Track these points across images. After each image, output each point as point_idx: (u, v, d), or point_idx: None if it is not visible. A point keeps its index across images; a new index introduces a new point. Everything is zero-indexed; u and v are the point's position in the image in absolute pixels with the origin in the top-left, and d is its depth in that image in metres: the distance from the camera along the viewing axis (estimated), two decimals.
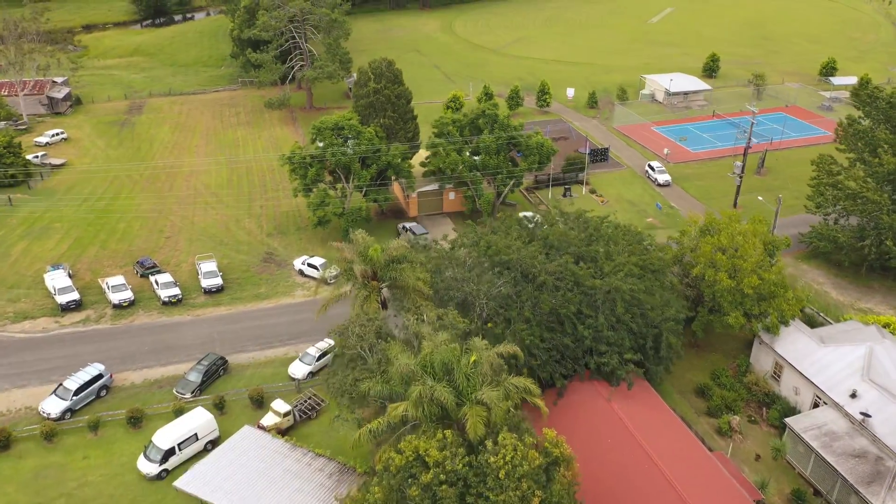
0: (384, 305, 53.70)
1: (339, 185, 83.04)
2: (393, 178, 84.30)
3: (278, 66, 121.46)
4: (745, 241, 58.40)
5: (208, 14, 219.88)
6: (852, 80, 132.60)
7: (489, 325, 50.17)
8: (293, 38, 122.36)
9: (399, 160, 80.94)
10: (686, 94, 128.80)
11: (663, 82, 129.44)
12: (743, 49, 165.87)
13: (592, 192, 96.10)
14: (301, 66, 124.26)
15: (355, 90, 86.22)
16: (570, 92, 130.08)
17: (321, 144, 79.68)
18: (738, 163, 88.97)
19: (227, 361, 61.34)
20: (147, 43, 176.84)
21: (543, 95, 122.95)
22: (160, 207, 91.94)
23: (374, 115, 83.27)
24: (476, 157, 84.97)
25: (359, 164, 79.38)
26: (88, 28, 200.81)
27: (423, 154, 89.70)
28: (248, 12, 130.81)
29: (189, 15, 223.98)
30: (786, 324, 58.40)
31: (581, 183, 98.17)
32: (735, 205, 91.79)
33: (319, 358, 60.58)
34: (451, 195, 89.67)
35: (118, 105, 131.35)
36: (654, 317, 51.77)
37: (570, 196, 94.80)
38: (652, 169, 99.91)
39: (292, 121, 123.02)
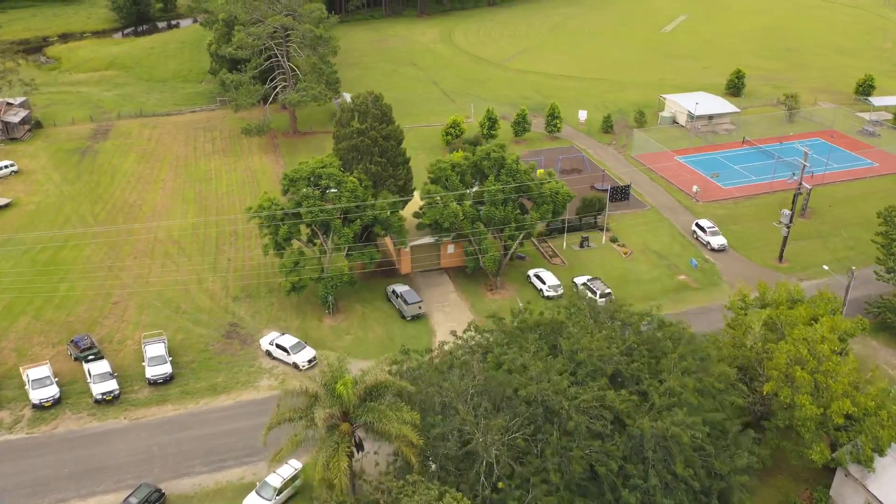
0: (360, 447, 40.22)
1: (316, 243, 69.46)
2: (381, 234, 70.68)
3: (257, 88, 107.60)
4: (827, 346, 44.76)
5: (195, 21, 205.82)
6: (894, 100, 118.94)
7: (500, 485, 36.63)
8: (274, 55, 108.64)
9: (387, 214, 67.29)
10: (711, 117, 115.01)
11: (685, 103, 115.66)
12: (766, 62, 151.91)
13: (613, 240, 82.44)
14: (283, 87, 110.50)
15: (336, 129, 72.28)
16: (583, 115, 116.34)
17: (294, 198, 66.01)
18: (786, 211, 75.36)
19: (163, 495, 47.78)
20: (124, 55, 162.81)
21: (553, 120, 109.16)
22: (112, 261, 78.38)
23: (357, 159, 69.50)
24: (480, 208, 71.41)
25: (340, 220, 65.73)
26: (65, 37, 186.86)
27: (417, 199, 76.31)
28: (226, 25, 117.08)
29: (174, 22, 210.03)
30: (881, 453, 44.85)
31: (600, 229, 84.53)
32: (781, 258, 78.24)
33: (281, 490, 47.06)
34: (451, 248, 76.06)
35: (82, 129, 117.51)
36: (719, 466, 38.21)
37: (588, 246, 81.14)
38: (702, 230, 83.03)
39: (273, 148, 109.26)
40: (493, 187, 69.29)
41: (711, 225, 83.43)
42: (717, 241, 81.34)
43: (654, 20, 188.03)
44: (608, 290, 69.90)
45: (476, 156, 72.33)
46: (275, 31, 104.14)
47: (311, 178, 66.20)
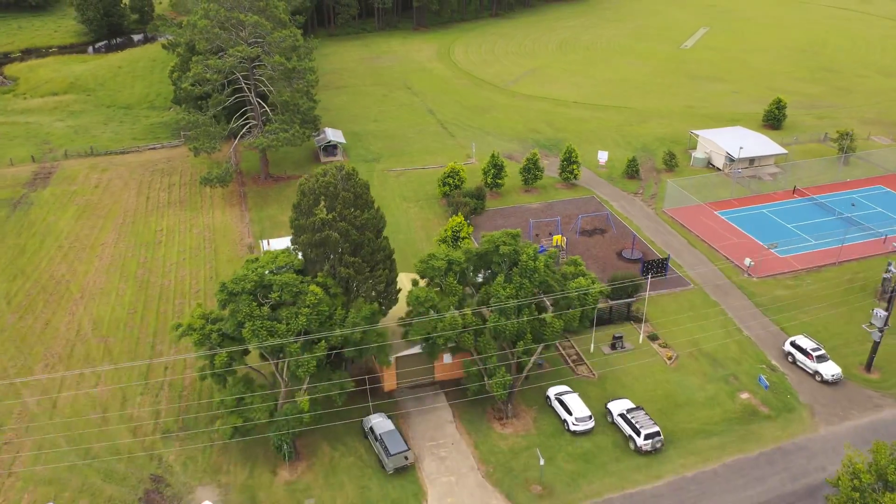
0: None
1: (268, 371, 51.99)
2: (354, 357, 53.10)
3: (220, 128, 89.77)
4: None
5: (157, 39, 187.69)
6: None
7: None
8: (241, 89, 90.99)
9: (361, 335, 49.67)
10: (753, 160, 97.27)
11: (722, 142, 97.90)
12: (804, 86, 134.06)
13: (653, 338, 64.78)
14: (252, 126, 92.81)
15: (294, 217, 54.37)
16: (603, 156, 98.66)
17: (236, 316, 48.34)
18: (880, 311, 57.76)
19: None
20: (88, 75, 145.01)
21: (570, 165, 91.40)
22: (17, 369, 60.92)
23: (323, 258, 51.80)
24: (486, 303, 53.99)
25: (298, 344, 48.14)
26: (29, 53, 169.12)
27: (406, 282, 58.94)
28: (189, 50, 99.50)
29: (151, 35, 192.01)
30: None
31: (635, 318, 66.95)
32: (869, 367, 60.73)
33: None
34: (447, 357, 58.46)
35: (21, 172, 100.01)
36: None
37: (622, 348, 63.57)
38: (803, 352, 60.58)
39: (240, 198, 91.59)
40: (503, 291, 51.67)
41: (816, 346, 60.74)
42: (829, 369, 59.23)
43: (672, 34, 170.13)
44: (655, 429, 52.41)
45: (483, 245, 54.65)
46: (240, 62, 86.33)
47: (259, 290, 48.55)
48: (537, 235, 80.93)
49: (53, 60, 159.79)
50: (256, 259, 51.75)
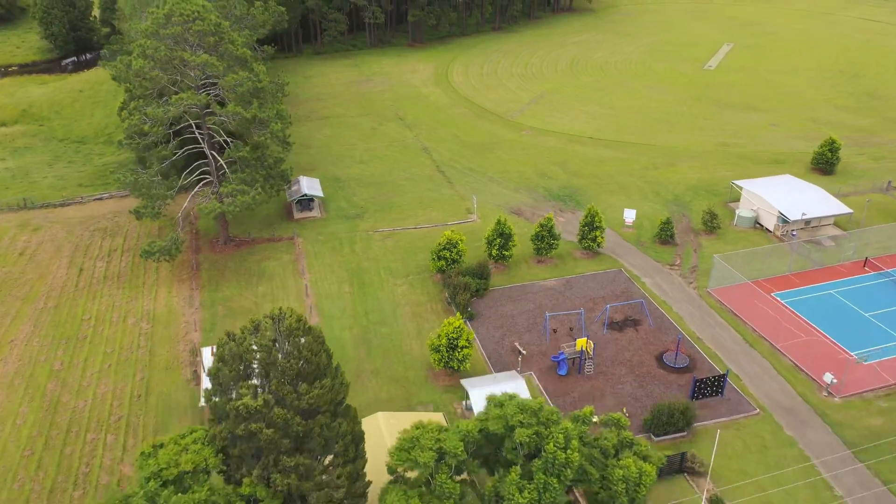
0: None
1: None
2: None
3: (169, 184, 72.55)
4: None
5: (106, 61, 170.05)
6: None
7: None
8: (196, 137, 73.95)
9: None
10: (809, 221, 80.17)
11: (772, 198, 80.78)
12: (849, 116, 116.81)
13: (716, 502, 47.68)
14: (208, 181, 75.83)
15: (207, 393, 37.00)
16: (630, 215, 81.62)
17: None
18: None
19: None
20: (44, 100, 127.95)
21: (592, 231, 74.29)
22: None
23: (253, 456, 34.63)
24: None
25: None
26: None
27: (386, 438, 41.98)
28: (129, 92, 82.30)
29: (127, 47, 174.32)
30: None
31: (691, 471, 49.93)
32: None
33: None
34: None
35: None
36: None
37: None
38: None
39: (192, 271, 74.57)
40: (520, 498, 34.65)
41: None
42: None
43: (693, 52, 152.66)
44: None
45: (490, 421, 37.59)
46: (189, 109, 69.20)
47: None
48: (555, 331, 63.93)
49: (10, 82, 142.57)
50: (156, 450, 34.59)
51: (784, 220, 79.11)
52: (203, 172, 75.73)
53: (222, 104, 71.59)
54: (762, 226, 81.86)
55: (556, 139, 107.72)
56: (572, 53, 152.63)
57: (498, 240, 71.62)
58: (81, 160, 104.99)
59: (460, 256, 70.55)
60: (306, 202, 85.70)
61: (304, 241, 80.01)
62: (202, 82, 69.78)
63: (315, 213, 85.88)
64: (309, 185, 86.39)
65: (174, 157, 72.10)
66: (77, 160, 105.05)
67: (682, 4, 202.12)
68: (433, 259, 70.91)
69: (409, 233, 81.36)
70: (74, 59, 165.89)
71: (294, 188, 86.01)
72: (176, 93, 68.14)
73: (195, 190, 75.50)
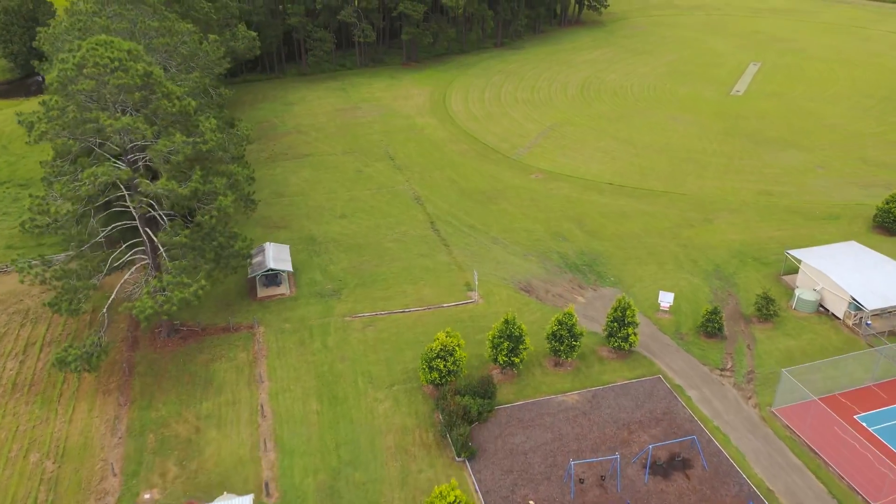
0: None
1: None
2: None
3: (93, 270, 57.01)
4: None
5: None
6: None
7: None
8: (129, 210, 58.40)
9: None
10: (889, 310, 64.55)
11: (840, 278, 65.16)
12: None
13: None
14: (143, 263, 60.32)
15: None
16: (666, 299, 66.10)
17: None
18: None
19: None
20: None
21: (623, 328, 58.72)
22: None
23: None
24: None
25: None
26: None
27: None
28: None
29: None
30: None
31: None
32: None
33: None
34: None
35: None
36: None
37: None
38: None
39: (123, 376, 59.05)
40: None
41: None
42: None
43: (717, 73, 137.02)
44: None
45: None
46: (114, 182, 53.67)
47: None
48: (581, 482, 48.44)
49: None
50: None
51: (857, 306, 63.54)
52: (140, 251, 60.22)
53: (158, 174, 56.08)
54: (827, 310, 66.28)
55: (569, 185, 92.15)
56: (583, 75, 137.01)
57: (505, 344, 56.05)
58: (18, 211, 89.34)
59: (458, 367, 55.04)
60: (272, 277, 70.18)
61: (266, 331, 64.53)
62: (131, 146, 54.21)
63: (283, 289, 70.38)
64: (276, 256, 70.85)
65: (96, 239, 56.48)
66: (13, 211, 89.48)
67: (698, 17, 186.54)
68: (423, 369, 55.39)
69: (396, 319, 65.84)
70: (40, 77, 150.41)
71: (257, 259, 70.48)
72: (95, 163, 52.61)
73: (127, 276, 59.92)
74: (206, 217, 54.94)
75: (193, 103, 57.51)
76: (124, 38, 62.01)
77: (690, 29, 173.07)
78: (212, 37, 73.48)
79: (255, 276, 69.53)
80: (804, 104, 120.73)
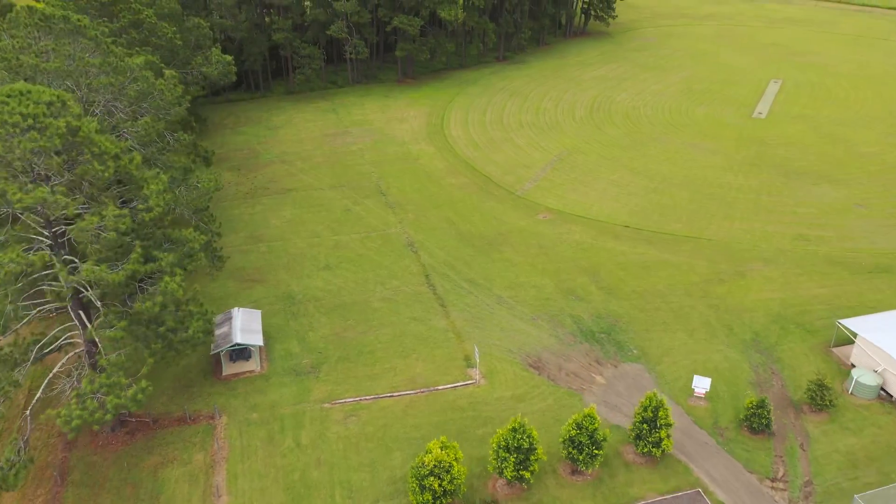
0: None
1: None
2: None
3: (14, 362, 46.66)
4: None
5: None
6: None
7: None
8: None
9: None
10: None
11: None
12: None
13: None
14: (77, 352, 49.93)
15: None
16: (701, 385, 55.78)
17: None
18: None
19: None
20: None
21: (654, 432, 48.38)
22: None
23: None
24: None
25: None
26: None
27: None
28: None
29: None
30: None
31: None
32: None
33: None
34: None
35: None
36: None
37: None
38: None
39: (54, 487, 48.81)
40: None
41: None
42: None
43: (736, 92, 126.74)
44: None
45: None
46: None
47: None
48: None
49: None
50: None
51: None
52: (72, 336, 49.95)
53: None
54: (891, 396, 56.03)
55: (581, 228, 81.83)
56: (591, 94, 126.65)
57: (513, 457, 45.74)
58: None
59: (455, 485, 44.76)
60: (240, 352, 59.92)
61: (229, 422, 54.29)
62: (54, 218, 43.92)
63: (252, 365, 60.13)
64: (245, 326, 60.50)
65: (17, 327, 46.21)
66: None
67: (709, 27, 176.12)
68: (414, 489, 45.11)
69: (383, 406, 55.58)
70: None
71: (223, 330, 60.19)
72: (6, 241, 42.34)
73: (58, 367, 49.63)
74: (146, 304, 44.58)
75: (138, 158, 47.23)
76: (59, 79, 51.80)
77: (703, 40, 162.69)
78: (168, 72, 62.89)
79: (220, 352, 59.17)
80: (833, 129, 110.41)
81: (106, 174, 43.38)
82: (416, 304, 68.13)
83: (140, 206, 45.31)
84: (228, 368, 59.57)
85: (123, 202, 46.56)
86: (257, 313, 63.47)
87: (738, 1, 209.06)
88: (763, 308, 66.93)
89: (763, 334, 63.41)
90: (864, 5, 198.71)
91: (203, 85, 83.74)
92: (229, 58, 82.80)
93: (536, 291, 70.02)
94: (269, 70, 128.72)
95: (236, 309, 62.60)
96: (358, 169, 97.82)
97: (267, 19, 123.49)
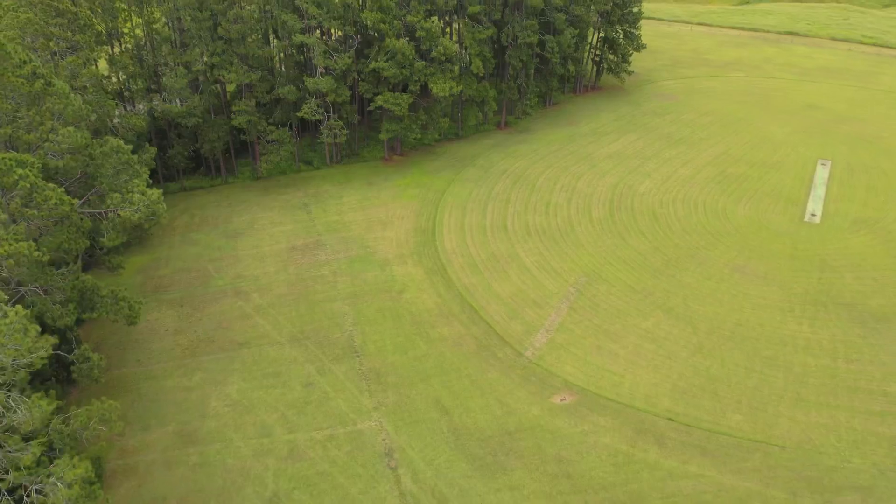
0: None
1: None
2: None
3: None
4: None
5: None
6: None
7: None
8: None
9: None
10: None
11: None
12: None
13: None
14: None
15: None
16: None
17: None
18: None
19: None
20: None
21: None
22: None
23: None
24: None
25: None
26: None
27: None
28: None
29: None
30: None
31: None
32: None
33: None
34: None
35: None
36: None
37: None
38: None
39: None
40: None
41: None
42: None
43: (779, 180, 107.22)
44: None
45: None
46: None
47: None
48: None
49: None
50: None
51: None
52: None
53: None
54: None
55: (612, 423, 62.11)
56: (610, 181, 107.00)
57: None
58: None
59: None
60: None
61: None
62: None
63: None
64: None
65: None
66: None
67: (735, 80, 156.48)
68: None
69: None
70: None
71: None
72: None
73: None
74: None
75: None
76: None
77: (731, 100, 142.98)
78: (32, 327, 42.30)
79: None
80: None
81: None
82: None
83: None
84: None
85: None
86: None
87: (763, 43, 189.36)
88: None
89: None
90: None
91: (124, 229, 64.03)
92: (157, 193, 62.97)
93: None
94: (233, 152, 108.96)
95: None
96: (328, 308, 78.12)
97: (225, 98, 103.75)
